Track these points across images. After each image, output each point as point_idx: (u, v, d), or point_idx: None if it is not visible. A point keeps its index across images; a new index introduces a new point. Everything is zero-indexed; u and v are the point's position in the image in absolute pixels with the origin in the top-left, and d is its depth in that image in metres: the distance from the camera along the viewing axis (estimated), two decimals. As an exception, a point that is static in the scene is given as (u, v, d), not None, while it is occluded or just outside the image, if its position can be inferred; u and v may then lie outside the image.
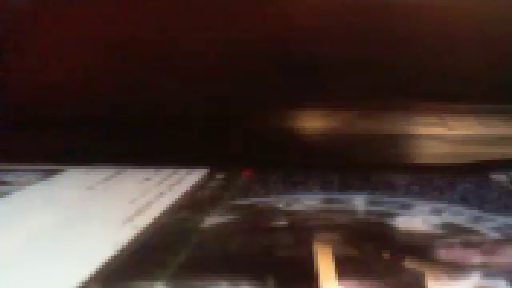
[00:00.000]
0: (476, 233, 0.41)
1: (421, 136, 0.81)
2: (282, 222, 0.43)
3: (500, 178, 0.57)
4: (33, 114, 0.78)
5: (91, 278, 0.33)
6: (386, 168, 0.62)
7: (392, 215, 0.45)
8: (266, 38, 0.74)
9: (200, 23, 0.73)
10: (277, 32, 0.73)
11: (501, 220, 0.43)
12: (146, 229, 0.41)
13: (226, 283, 0.33)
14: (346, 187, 0.53)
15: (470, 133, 0.83)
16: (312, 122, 0.93)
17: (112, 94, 0.77)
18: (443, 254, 0.37)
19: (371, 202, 0.48)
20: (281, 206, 0.47)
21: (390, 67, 0.75)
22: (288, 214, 0.45)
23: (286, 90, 0.79)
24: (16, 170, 0.57)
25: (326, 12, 0.71)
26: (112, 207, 0.46)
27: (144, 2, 0.73)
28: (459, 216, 0.44)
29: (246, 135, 0.78)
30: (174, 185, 0.53)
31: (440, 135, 0.81)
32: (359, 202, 0.48)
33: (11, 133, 0.78)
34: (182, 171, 0.57)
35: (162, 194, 0.49)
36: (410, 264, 0.35)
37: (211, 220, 0.44)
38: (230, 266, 0.35)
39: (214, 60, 0.75)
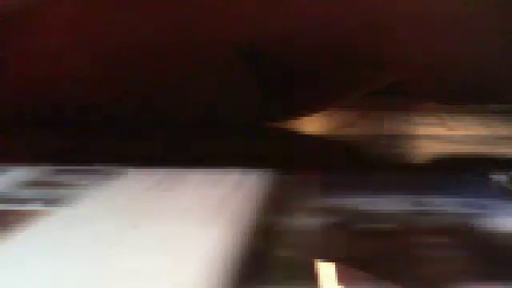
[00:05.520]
0: None
1: (421, 136, 0.81)
2: (379, 225, 0.42)
3: (500, 177, 0.56)
4: (45, 114, 0.78)
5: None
6: (386, 168, 0.62)
7: (485, 216, 0.43)
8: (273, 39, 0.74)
9: (202, 25, 0.74)
10: (279, 32, 0.73)
11: None
12: (238, 232, 0.39)
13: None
14: (433, 189, 0.52)
15: (470, 133, 0.84)
16: (309, 122, 0.93)
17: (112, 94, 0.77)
18: None
19: (464, 204, 0.46)
20: (366, 207, 0.45)
21: (389, 67, 0.75)
22: (378, 216, 0.44)
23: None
24: (74, 172, 0.56)
25: (324, 13, 0.72)
26: (189, 210, 0.44)
27: (143, 5, 0.74)
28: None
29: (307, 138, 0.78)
30: (241, 186, 0.51)
31: (440, 135, 0.81)
32: (451, 204, 0.46)
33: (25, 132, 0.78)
34: (245, 172, 0.55)
35: (232, 196, 0.48)
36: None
37: (299, 222, 0.42)
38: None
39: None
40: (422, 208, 0.46)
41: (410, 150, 0.74)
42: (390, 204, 0.47)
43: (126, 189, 0.51)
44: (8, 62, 0.76)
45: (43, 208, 0.44)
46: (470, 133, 0.84)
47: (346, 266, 0.34)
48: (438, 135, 0.81)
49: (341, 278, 0.32)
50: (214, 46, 0.74)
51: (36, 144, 0.73)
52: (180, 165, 0.59)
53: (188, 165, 0.59)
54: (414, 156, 0.71)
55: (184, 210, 0.45)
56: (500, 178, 0.56)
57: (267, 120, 0.85)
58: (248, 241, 0.38)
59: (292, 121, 0.88)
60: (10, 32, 0.74)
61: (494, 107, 0.81)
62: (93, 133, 0.79)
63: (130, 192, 0.50)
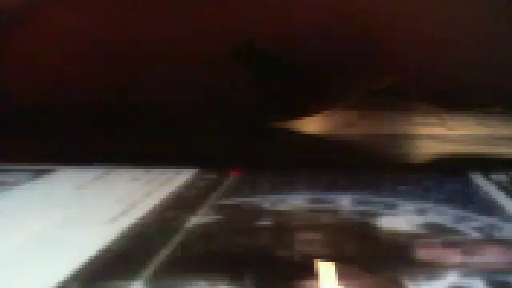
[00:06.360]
0: (459, 233, 0.41)
1: (421, 136, 0.81)
2: (267, 222, 0.43)
3: (500, 177, 0.56)
4: (25, 115, 0.79)
5: (70, 277, 0.33)
6: (387, 168, 0.62)
7: (377, 215, 0.45)
8: (267, 37, 0.74)
9: (202, 24, 0.74)
10: (277, 32, 0.73)
11: (485, 220, 0.43)
12: (130, 229, 0.41)
13: (205, 283, 0.33)
14: (333, 187, 0.53)
15: (470, 133, 0.83)
16: (309, 122, 0.93)
17: (101, 94, 0.78)
18: (423, 253, 0.37)
19: (357, 202, 0.48)
20: (266, 206, 0.47)
21: (389, 67, 0.75)
22: (273, 214, 0.45)
23: (286, 90, 0.79)
24: (7, 170, 0.58)
25: (325, 13, 0.72)
26: (98, 207, 0.46)
27: (143, 5, 0.74)
28: (443, 216, 0.44)
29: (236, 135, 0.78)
30: (161, 185, 0.53)
31: (440, 135, 0.81)
32: (345, 202, 0.48)
33: (2, 133, 0.78)
34: (171, 171, 0.57)
35: (148, 194, 0.50)
36: (389, 264, 0.35)
37: (195, 220, 0.44)
38: (211, 266, 0.35)
39: (214, 61, 0.75)
40: (318, 206, 0.47)
41: (410, 150, 0.74)
42: (290, 202, 0.48)
43: (54, 186, 0.53)
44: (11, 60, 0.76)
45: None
46: (469, 133, 0.84)
47: (346, 266, 0.35)
48: (438, 135, 0.81)
49: (341, 278, 0.33)
50: (214, 45, 0.74)
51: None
52: (179, 164, 0.59)
53: (187, 164, 0.59)
54: (414, 156, 0.71)
55: (95, 210, 0.46)
56: (500, 177, 0.56)
57: (267, 120, 0.85)
58: (129, 238, 0.39)
59: (292, 121, 0.88)
60: (10, 31, 0.74)
61: (494, 107, 0.81)
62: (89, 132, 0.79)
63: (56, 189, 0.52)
